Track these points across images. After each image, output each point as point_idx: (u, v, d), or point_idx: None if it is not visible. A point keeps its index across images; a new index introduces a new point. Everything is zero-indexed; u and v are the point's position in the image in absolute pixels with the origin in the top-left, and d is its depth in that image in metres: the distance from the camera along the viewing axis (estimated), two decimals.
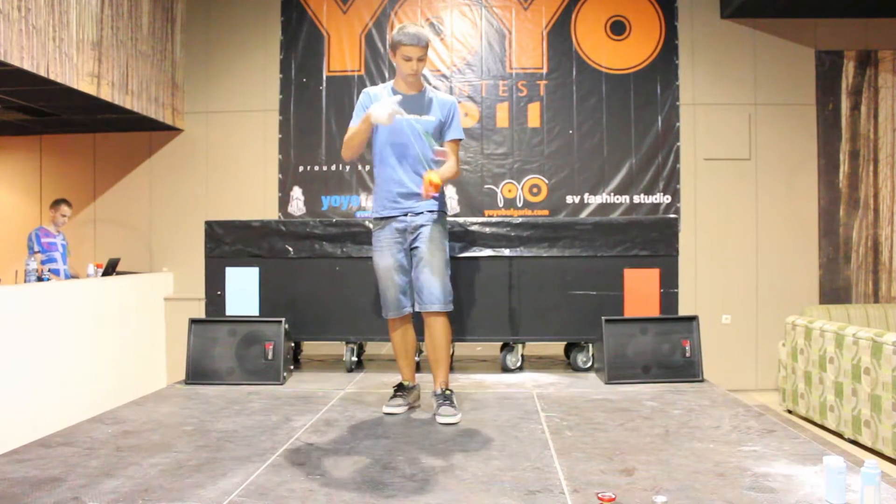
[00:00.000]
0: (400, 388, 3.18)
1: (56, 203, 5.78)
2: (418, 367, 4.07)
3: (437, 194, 3.00)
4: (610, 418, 2.95)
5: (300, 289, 4.02)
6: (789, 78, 6.07)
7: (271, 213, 6.18)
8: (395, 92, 3.07)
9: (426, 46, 3.00)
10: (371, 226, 3.24)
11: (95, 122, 5.97)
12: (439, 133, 3.11)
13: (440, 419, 2.92)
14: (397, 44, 2.97)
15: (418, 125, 3.01)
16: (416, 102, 3.06)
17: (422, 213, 3.06)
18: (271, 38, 6.25)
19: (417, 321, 3.18)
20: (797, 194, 6.07)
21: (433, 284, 2.99)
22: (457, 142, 3.16)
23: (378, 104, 2.87)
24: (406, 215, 3.06)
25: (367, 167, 6.11)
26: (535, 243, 4.00)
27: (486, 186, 6.09)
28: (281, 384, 3.66)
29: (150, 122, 5.92)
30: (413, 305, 3.12)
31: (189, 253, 5.82)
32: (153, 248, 6.33)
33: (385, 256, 3.07)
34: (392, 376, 3.66)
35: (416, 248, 3.05)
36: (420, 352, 4.17)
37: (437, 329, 3.04)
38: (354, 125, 3.05)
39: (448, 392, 3.04)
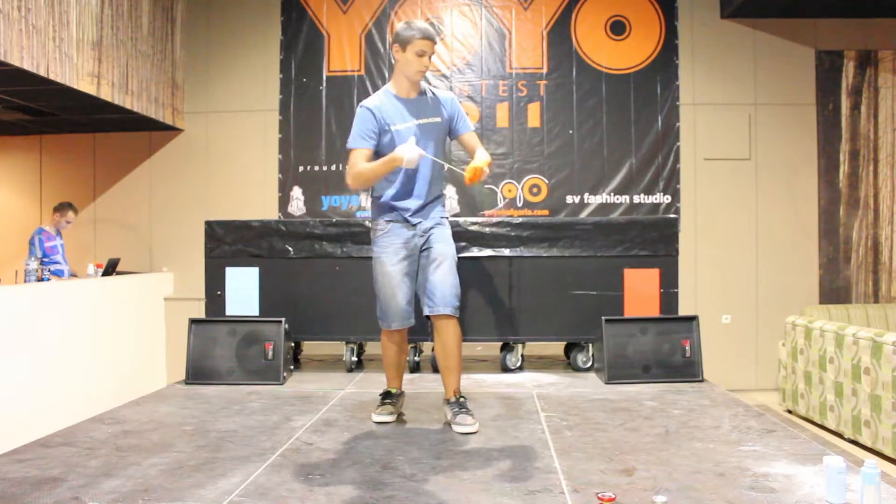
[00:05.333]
0: (388, 396, 3.03)
1: (62, 207, 5.73)
2: (418, 368, 4.08)
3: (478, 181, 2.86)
4: (610, 418, 2.95)
5: (300, 289, 4.02)
6: (789, 78, 6.06)
7: (271, 213, 6.17)
8: (395, 97, 2.91)
9: (436, 41, 2.92)
10: (373, 229, 2.99)
11: (95, 122, 5.97)
12: (448, 131, 3.00)
13: (458, 429, 2.76)
14: (410, 38, 2.80)
15: (427, 136, 2.91)
16: (419, 105, 2.94)
17: (429, 217, 2.96)
18: (271, 38, 6.24)
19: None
20: (797, 194, 6.06)
21: (447, 284, 2.83)
22: (472, 133, 3.07)
23: (405, 147, 2.71)
24: (415, 226, 2.92)
25: None
26: (535, 243, 4.00)
27: (486, 186, 6.09)
28: (281, 384, 3.66)
29: (150, 122, 5.91)
30: (419, 315, 2.93)
31: (189, 253, 5.82)
32: (153, 248, 6.33)
33: (393, 261, 2.87)
34: None
35: (429, 248, 2.90)
36: (420, 352, 4.17)
37: (451, 334, 2.86)
38: (365, 146, 2.84)
39: (463, 399, 2.89)
